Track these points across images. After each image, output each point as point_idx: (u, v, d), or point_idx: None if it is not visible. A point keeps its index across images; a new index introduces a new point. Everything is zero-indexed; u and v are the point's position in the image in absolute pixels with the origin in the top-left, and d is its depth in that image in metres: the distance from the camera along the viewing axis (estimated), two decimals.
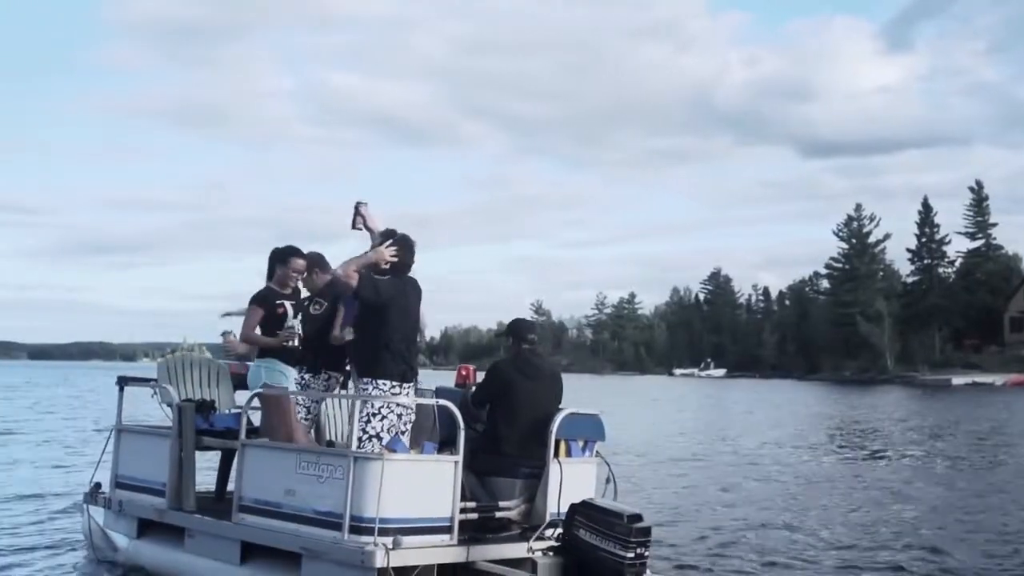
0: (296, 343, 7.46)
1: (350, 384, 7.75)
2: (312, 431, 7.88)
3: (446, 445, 7.14)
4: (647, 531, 6.43)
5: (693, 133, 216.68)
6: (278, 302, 7.50)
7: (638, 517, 6.42)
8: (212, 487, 8.49)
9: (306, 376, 7.76)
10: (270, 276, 7.74)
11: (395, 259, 6.92)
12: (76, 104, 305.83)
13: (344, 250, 7.54)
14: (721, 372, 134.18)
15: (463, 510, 6.82)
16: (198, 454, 7.98)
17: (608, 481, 7.46)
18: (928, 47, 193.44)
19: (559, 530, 6.67)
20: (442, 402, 6.95)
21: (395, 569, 6.26)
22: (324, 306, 7.73)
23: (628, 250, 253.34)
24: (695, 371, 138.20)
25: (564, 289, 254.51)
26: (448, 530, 6.62)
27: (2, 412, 30.45)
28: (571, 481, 7.04)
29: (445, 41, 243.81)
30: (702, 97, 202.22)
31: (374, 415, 6.71)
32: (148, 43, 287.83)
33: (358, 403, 6.73)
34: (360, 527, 6.36)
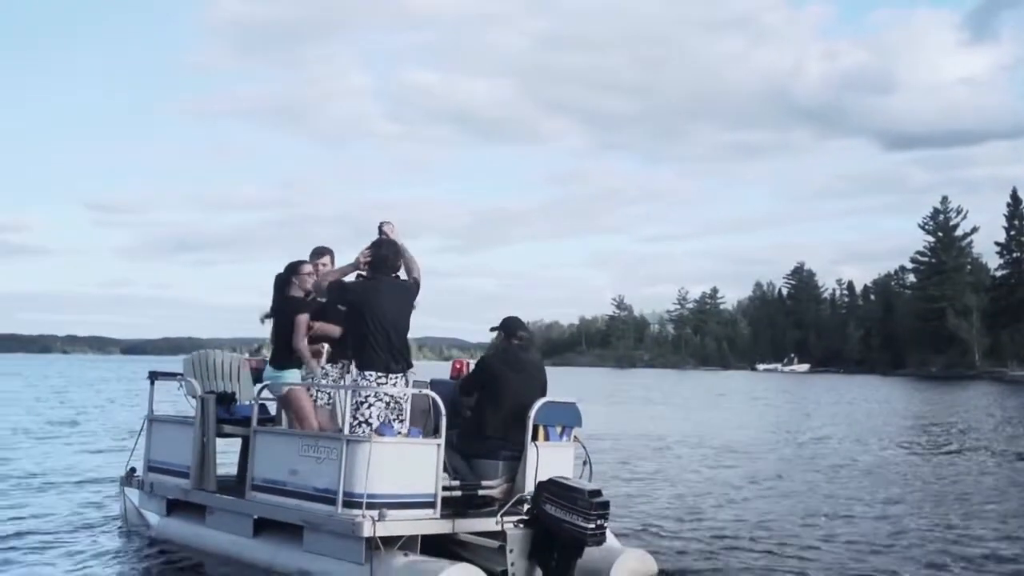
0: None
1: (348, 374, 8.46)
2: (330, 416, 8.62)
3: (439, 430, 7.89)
4: (606, 504, 7.04)
5: (772, 127, 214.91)
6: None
7: (598, 492, 7.04)
8: (235, 470, 9.28)
9: (327, 366, 8.50)
10: (287, 288, 8.34)
11: (368, 260, 7.62)
12: (166, 105, 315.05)
13: None
14: (805, 367, 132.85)
15: (448, 488, 7.50)
16: (222, 440, 8.79)
17: (585, 463, 8.09)
18: (1012, 36, 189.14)
19: (528, 505, 7.31)
20: (425, 391, 7.62)
21: (382, 539, 6.96)
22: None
23: (709, 244, 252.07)
24: (778, 366, 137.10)
25: (645, 284, 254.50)
26: (432, 505, 7.29)
27: (81, 403, 32.29)
28: (548, 463, 7.66)
29: (523, 37, 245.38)
30: (781, 91, 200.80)
31: (362, 403, 7.41)
32: (232, 45, 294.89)
33: (349, 392, 7.47)
34: (351, 502, 7.08)
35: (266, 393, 8.53)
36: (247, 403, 9.04)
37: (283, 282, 8.36)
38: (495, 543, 7.28)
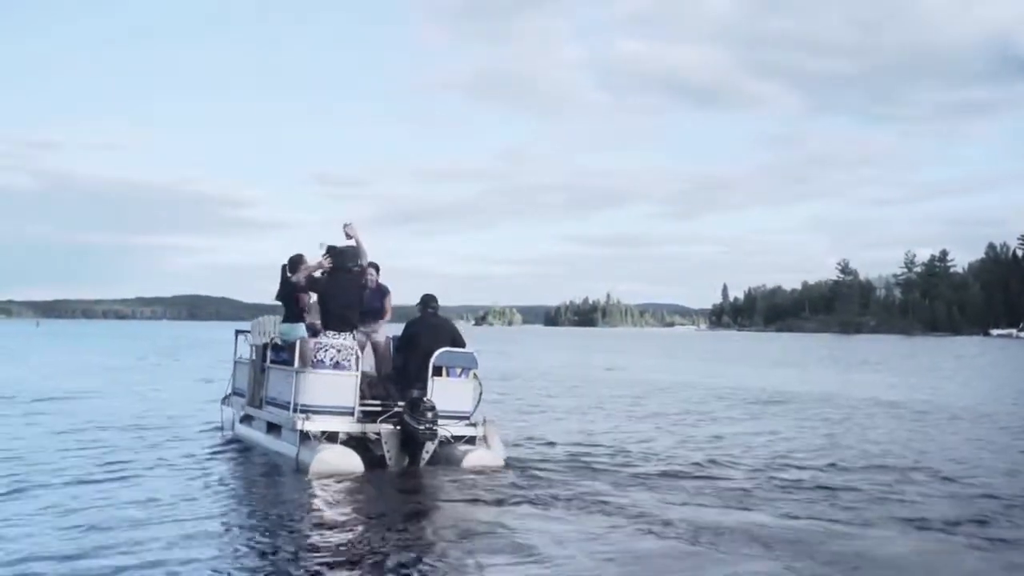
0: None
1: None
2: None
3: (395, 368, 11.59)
4: (434, 412, 10.32)
5: (992, 83, 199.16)
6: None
7: (432, 406, 10.37)
8: None
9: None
10: (292, 273, 12.08)
11: (329, 265, 11.17)
12: (389, 82, 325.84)
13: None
14: None
15: (369, 404, 10.98)
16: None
17: (480, 394, 11.34)
18: None
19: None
20: (351, 343, 11.08)
21: (313, 433, 10.49)
22: None
23: (935, 206, 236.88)
24: (1013, 332, 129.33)
25: (868, 248, 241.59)
26: (351, 413, 10.77)
27: None
28: (446, 394, 10.93)
29: (732, 2, 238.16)
30: (1001, 45, 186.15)
31: (320, 348, 11.00)
32: (446, 20, 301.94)
33: (309, 342, 11.14)
34: (297, 409, 10.76)
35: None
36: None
37: (288, 270, 12.08)
38: (379, 438, 10.81)
